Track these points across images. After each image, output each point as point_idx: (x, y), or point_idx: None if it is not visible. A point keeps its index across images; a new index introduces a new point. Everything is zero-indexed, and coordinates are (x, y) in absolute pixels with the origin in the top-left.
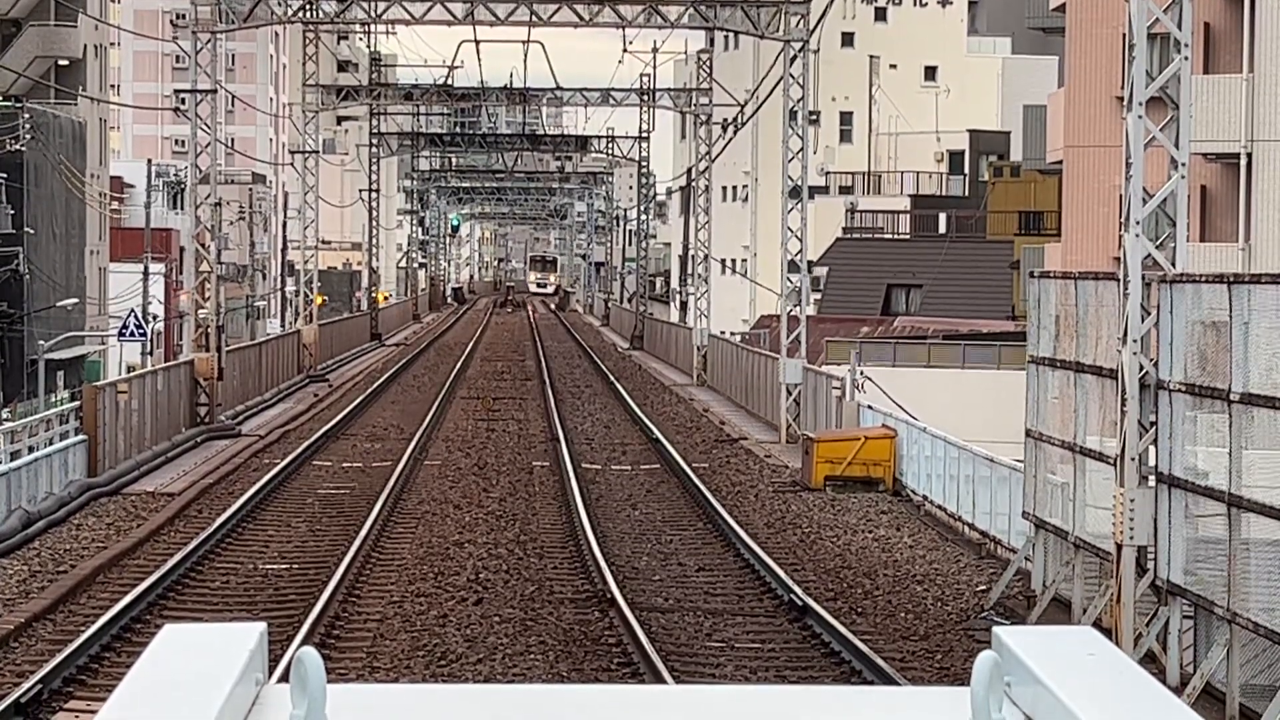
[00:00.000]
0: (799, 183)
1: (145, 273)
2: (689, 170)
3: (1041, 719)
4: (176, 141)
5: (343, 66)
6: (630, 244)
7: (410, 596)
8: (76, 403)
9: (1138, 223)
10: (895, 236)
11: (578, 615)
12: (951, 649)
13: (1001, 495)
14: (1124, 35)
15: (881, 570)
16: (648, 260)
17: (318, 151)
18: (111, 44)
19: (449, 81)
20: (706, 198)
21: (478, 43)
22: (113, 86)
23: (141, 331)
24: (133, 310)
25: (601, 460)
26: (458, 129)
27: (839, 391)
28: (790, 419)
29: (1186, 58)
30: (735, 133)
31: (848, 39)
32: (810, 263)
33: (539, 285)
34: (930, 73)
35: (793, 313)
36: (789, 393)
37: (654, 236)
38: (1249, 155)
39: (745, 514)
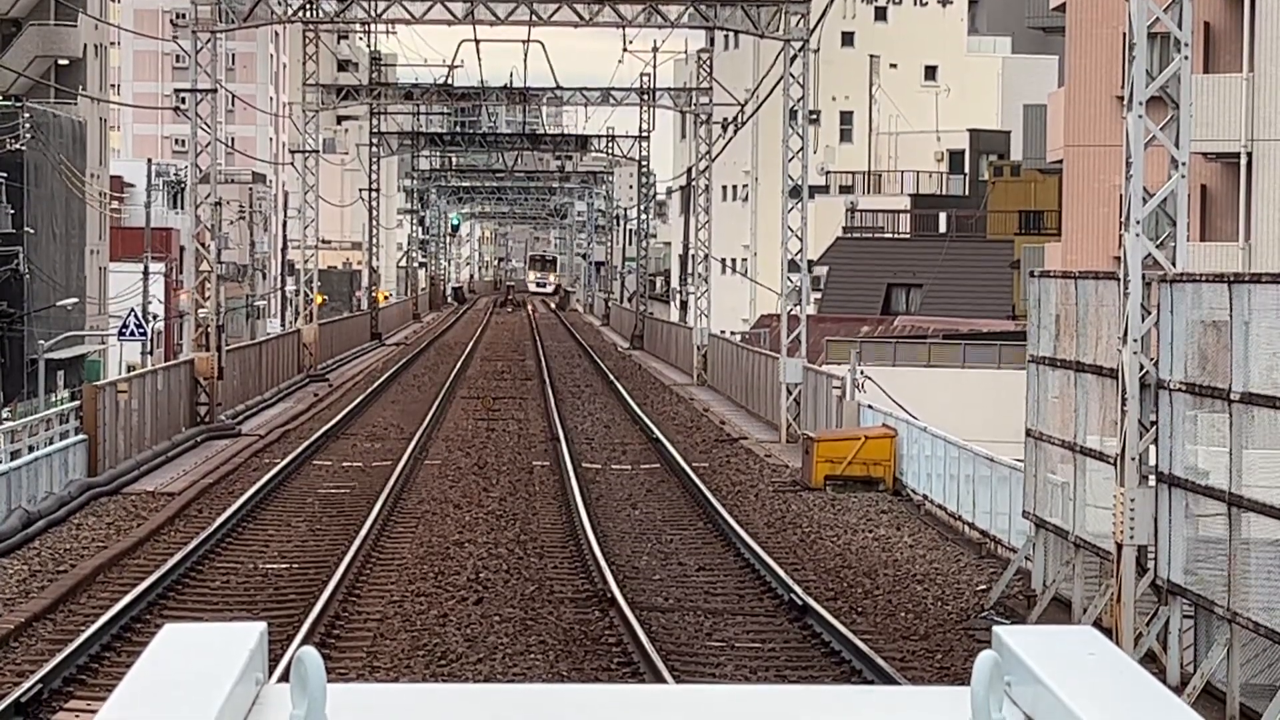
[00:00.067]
0: (799, 182)
1: (145, 272)
2: (689, 170)
3: (1042, 719)
4: (176, 141)
5: (343, 66)
6: (630, 243)
7: (410, 596)
8: (76, 402)
9: (1138, 222)
10: (895, 236)
11: (578, 615)
12: (951, 649)
13: (1001, 495)
14: (1124, 35)
15: (882, 570)
16: (648, 260)
17: (318, 151)
18: (111, 43)
19: (449, 81)
20: (706, 197)
21: (478, 42)
22: (113, 86)
23: (141, 331)
24: (133, 310)
25: (601, 460)
26: (458, 129)
27: (839, 391)
28: (790, 418)
29: (1186, 57)
30: (735, 132)
31: (848, 38)
32: (810, 262)
33: (539, 285)
34: (930, 72)
35: (793, 312)
36: (789, 392)
37: (654, 236)
38: (1249, 155)
39: (745, 513)
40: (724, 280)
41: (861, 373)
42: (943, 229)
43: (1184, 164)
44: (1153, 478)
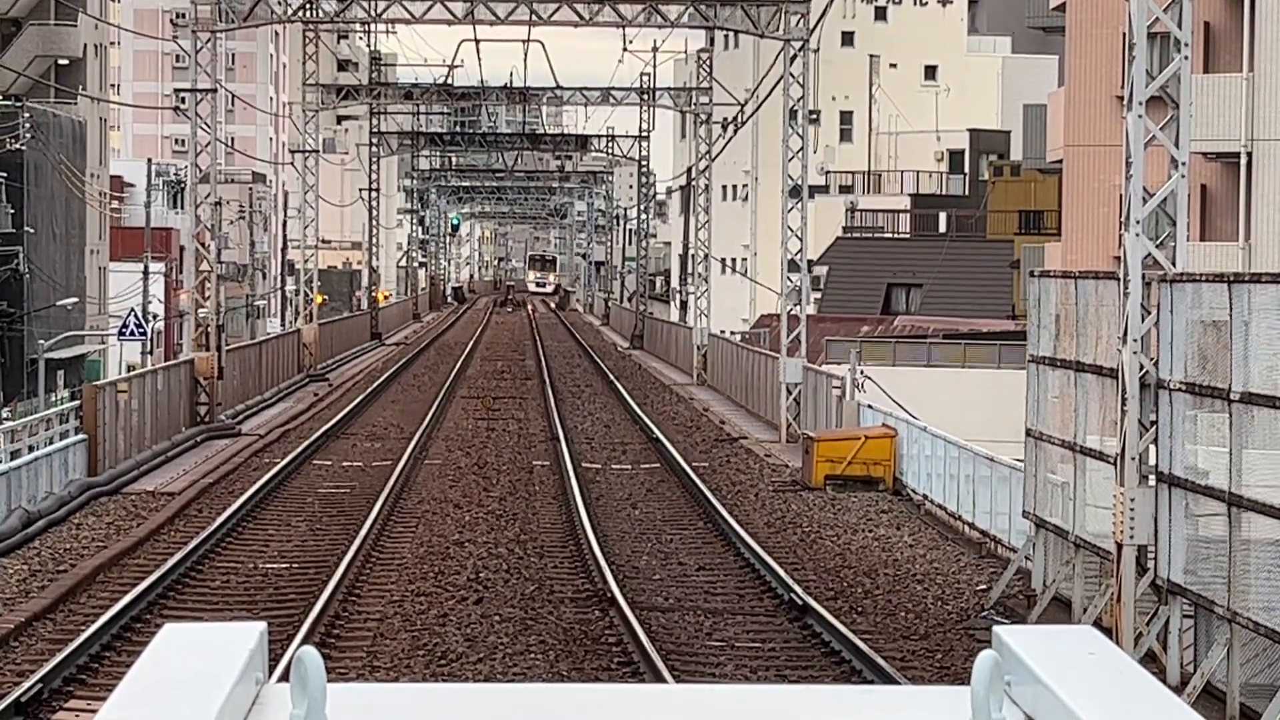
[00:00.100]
0: (799, 182)
1: (145, 272)
2: (689, 169)
3: (1042, 718)
4: (176, 141)
5: (343, 66)
6: (630, 243)
7: (410, 596)
8: (76, 402)
9: (1138, 222)
10: (895, 236)
11: (578, 614)
12: (951, 648)
13: (1001, 494)
14: (1124, 35)
15: (881, 569)
16: (648, 259)
17: (318, 151)
18: (111, 43)
19: (449, 81)
20: (706, 197)
21: (478, 42)
22: (113, 86)
23: (141, 331)
24: (133, 309)
25: (601, 459)
26: (458, 128)
27: (839, 391)
28: (790, 418)
29: (1186, 57)
30: (735, 132)
31: (848, 38)
32: (810, 262)
33: (539, 284)
34: (930, 72)
35: (793, 312)
36: (789, 392)
37: (654, 236)
38: (1249, 154)
39: (745, 513)
40: (724, 280)
41: (861, 372)
42: (943, 229)
43: (1184, 164)
44: (1153, 477)
